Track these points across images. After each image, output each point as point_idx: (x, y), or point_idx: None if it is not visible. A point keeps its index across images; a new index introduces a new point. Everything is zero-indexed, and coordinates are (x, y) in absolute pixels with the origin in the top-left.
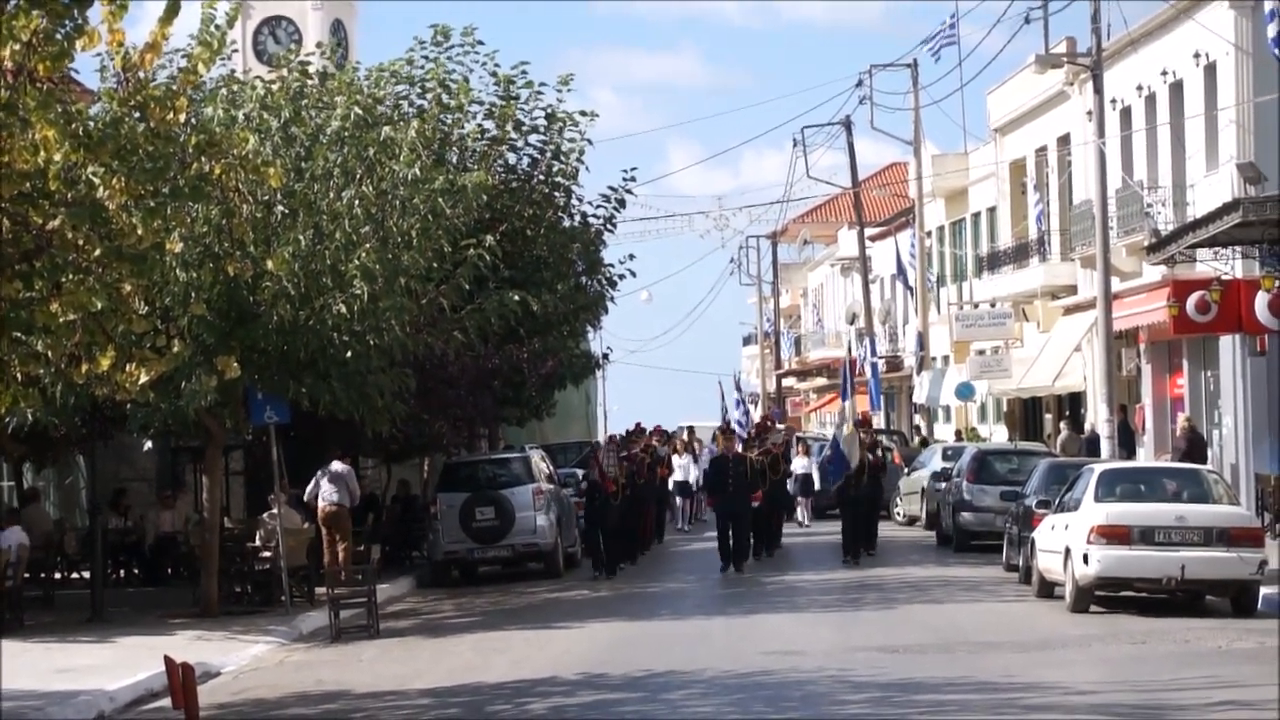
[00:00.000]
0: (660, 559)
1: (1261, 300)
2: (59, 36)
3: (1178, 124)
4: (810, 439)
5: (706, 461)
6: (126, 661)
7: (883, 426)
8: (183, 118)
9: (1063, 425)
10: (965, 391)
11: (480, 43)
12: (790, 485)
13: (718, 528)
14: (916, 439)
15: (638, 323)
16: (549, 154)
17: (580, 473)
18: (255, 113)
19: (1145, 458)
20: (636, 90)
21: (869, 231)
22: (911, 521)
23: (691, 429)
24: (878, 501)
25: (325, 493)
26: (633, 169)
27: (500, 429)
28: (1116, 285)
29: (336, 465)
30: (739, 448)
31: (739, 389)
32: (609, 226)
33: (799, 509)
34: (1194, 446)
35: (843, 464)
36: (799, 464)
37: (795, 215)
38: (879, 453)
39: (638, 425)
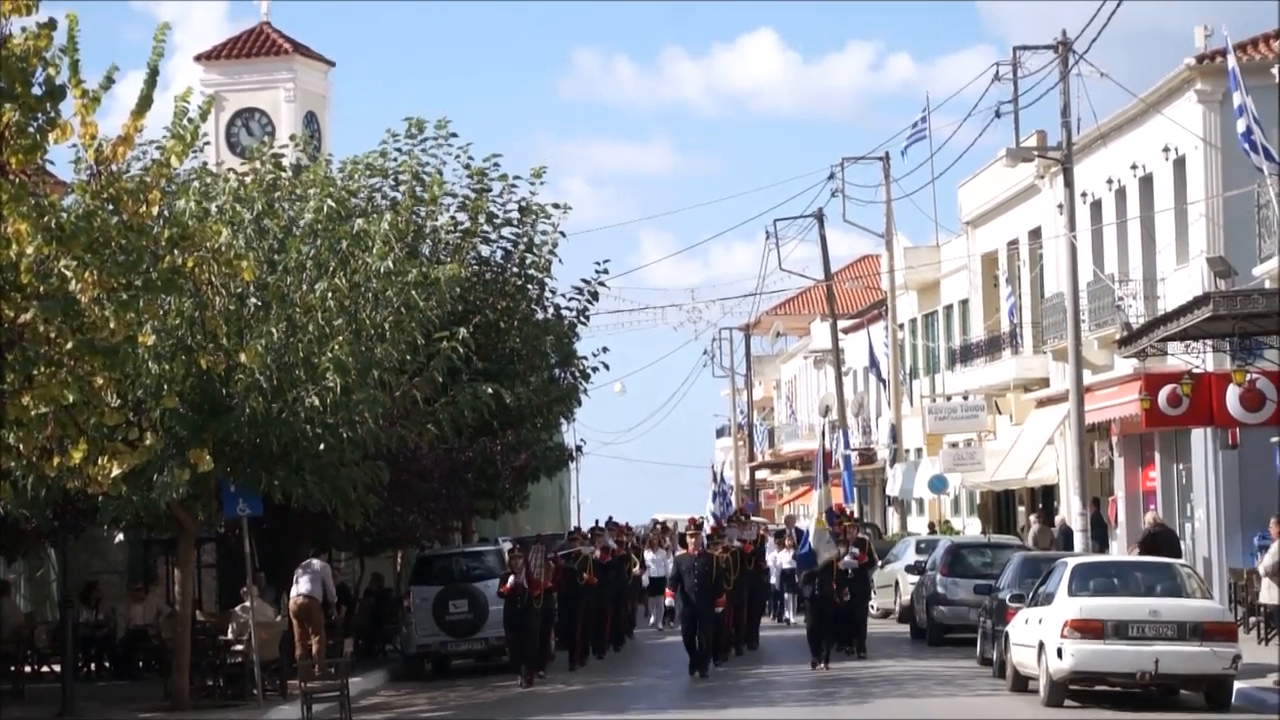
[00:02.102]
0: (635, 653)
1: (1233, 394)
2: (31, 129)
3: (1148, 218)
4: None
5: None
6: None
7: (858, 519)
8: (155, 210)
9: (1032, 519)
10: (938, 484)
11: (454, 135)
12: (774, 580)
13: (683, 630)
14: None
15: (611, 414)
16: (522, 246)
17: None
18: (228, 205)
19: (1118, 551)
20: (608, 180)
21: (842, 324)
22: (885, 615)
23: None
24: (864, 597)
25: (299, 585)
26: (605, 261)
27: (474, 521)
28: (1088, 378)
29: (315, 561)
30: (703, 546)
31: (719, 481)
32: (582, 319)
33: (785, 604)
34: (1157, 542)
35: (810, 559)
36: (783, 558)
37: (768, 308)
38: (863, 547)
39: (609, 519)
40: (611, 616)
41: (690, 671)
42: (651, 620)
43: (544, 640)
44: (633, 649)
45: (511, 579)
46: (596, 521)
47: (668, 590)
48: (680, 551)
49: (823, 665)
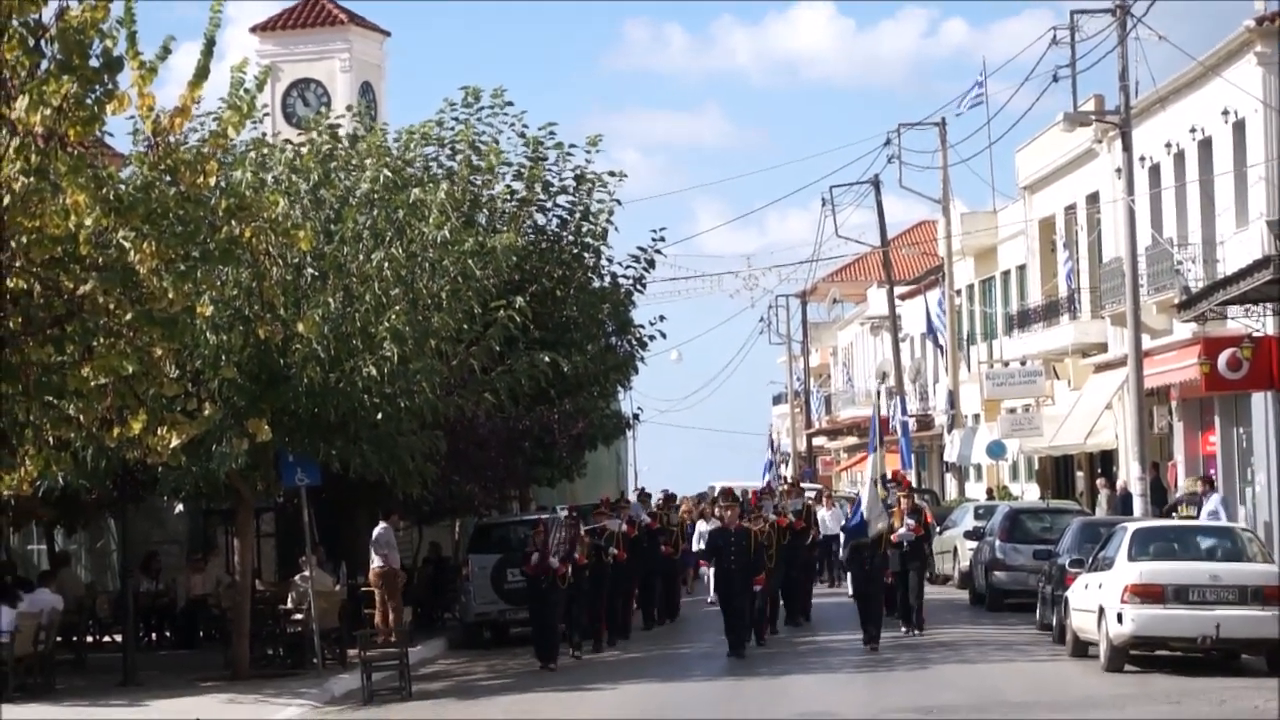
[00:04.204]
0: (691, 622)
1: None
2: (89, 101)
3: (1207, 181)
4: (840, 497)
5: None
6: None
7: (914, 485)
8: (213, 181)
9: (1100, 483)
10: (996, 450)
11: (510, 104)
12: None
13: (723, 610)
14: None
15: (668, 382)
16: (578, 215)
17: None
18: (284, 176)
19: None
20: (660, 150)
21: (898, 290)
22: (944, 581)
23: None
24: (921, 571)
25: (376, 559)
26: (661, 229)
27: (531, 490)
28: (1147, 343)
29: (379, 529)
30: (740, 519)
31: (773, 449)
32: (638, 287)
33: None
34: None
35: (861, 530)
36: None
37: (824, 274)
38: (919, 518)
39: (640, 491)
40: (643, 593)
41: (730, 653)
42: (709, 597)
43: (581, 616)
44: (690, 615)
45: (535, 557)
46: (622, 493)
47: (700, 561)
48: (715, 525)
49: (872, 646)
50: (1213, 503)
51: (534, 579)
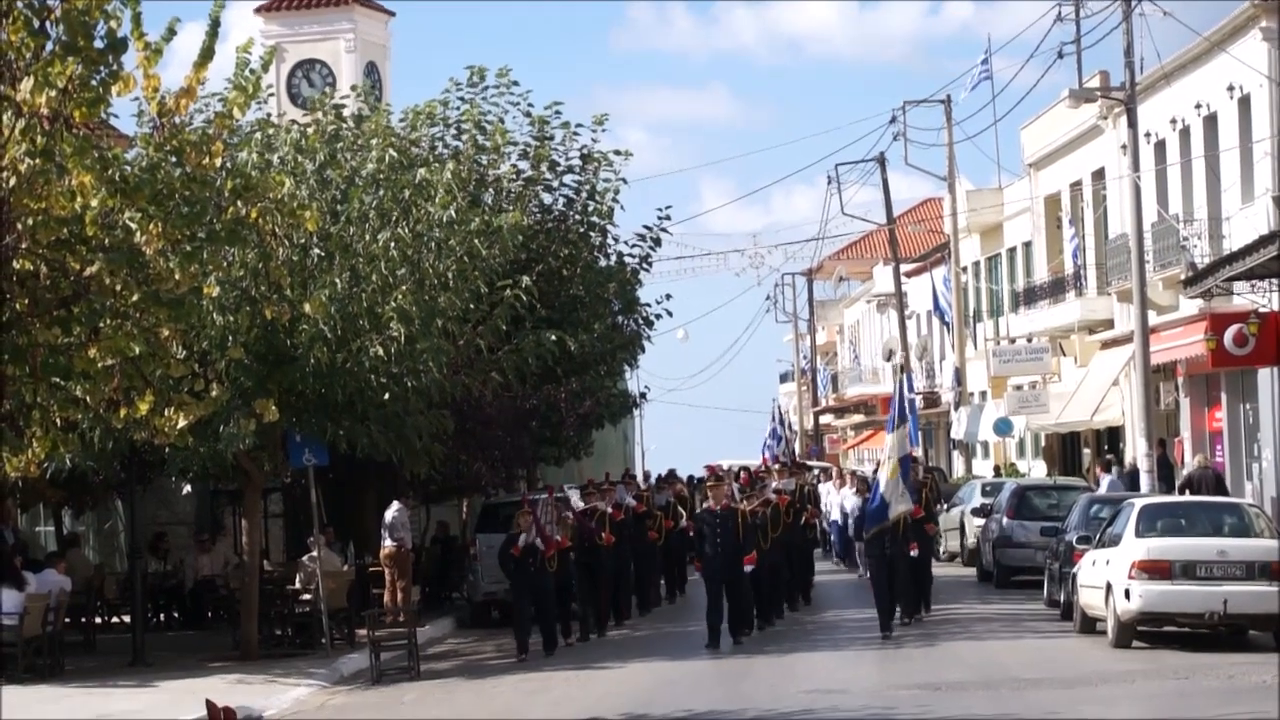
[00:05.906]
0: (698, 600)
1: None
2: (94, 83)
3: (1212, 157)
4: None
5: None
6: (168, 705)
7: (913, 458)
8: (218, 162)
9: (1098, 468)
10: (1003, 427)
11: (515, 83)
12: (850, 529)
13: (707, 595)
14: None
15: (675, 361)
16: (584, 194)
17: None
18: (290, 156)
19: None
20: (666, 129)
21: (905, 267)
22: (952, 558)
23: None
24: (928, 554)
25: (388, 537)
26: (668, 208)
27: (538, 469)
28: (1153, 319)
29: (393, 510)
30: (729, 500)
31: (780, 421)
32: (645, 265)
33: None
34: (1196, 484)
35: (881, 513)
36: (852, 503)
37: (830, 252)
38: (925, 494)
39: (625, 472)
40: (634, 578)
41: (709, 644)
42: None
43: (564, 606)
44: (690, 598)
45: (522, 538)
46: (607, 475)
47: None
48: (703, 506)
49: (900, 623)
50: (1105, 485)
51: (520, 561)
